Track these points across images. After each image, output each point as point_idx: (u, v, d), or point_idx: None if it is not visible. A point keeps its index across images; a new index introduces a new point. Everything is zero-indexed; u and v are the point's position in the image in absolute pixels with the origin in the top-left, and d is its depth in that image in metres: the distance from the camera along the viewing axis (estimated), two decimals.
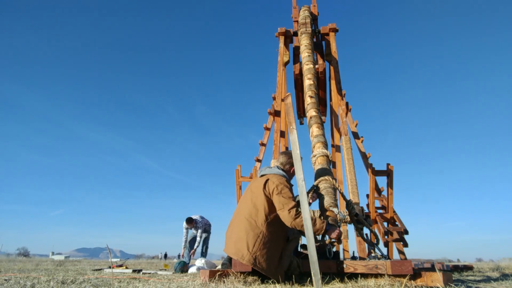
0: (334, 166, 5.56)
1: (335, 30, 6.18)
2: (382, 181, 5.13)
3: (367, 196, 5.03)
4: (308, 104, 4.60)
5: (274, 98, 5.94)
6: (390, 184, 4.82)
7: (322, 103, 6.74)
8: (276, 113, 5.78)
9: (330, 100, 5.98)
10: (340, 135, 5.26)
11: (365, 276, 2.89)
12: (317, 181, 3.42)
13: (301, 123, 7.73)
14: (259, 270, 2.73)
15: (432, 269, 4.11)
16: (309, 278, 2.80)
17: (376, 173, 4.92)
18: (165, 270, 6.14)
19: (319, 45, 6.34)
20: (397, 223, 4.76)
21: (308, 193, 3.31)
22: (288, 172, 3.21)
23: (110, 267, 6.47)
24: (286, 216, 2.78)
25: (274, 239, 2.86)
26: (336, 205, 3.22)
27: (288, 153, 3.28)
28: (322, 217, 3.23)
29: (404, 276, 2.64)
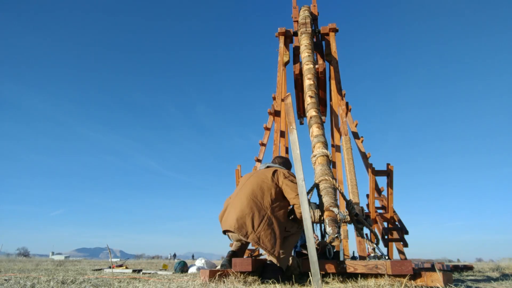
0: (334, 166, 5.55)
1: (335, 30, 6.17)
2: (382, 181, 5.13)
3: (367, 196, 5.03)
4: (308, 104, 4.60)
5: (274, 98, 5.94)
6: (390, 184, 4.82)
7: (322, 103, 6.74)
8: (276, 113, 5.78)
9: (330, 100, 5.98)
10: (340, 135, 5.26)
11: (365, 276, 2.89)
12: (317, 181, 3.41)
13: (301, 123, 7.72)
14: (263, 248, 2.76)
15: (432, 269, 4.11)
16: (309, 278, 2.81)
17: (376, 173, 4.91)
18: (165, 270, 6.13)
19: (319, 45, 6.33)
20: (397, 223, 4.76)
21: (308, 192, 3.31)
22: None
23: (110, 267, 6.47)
24: (295, 202, 2.92)
25: (277, 225, 2.90)
26: (336, 205, 3.22)
27: (284, 159, 3.54)
28: (322, 217, 3.23)
29: (404, 276, 2.64)
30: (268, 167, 3.28)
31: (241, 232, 2.78)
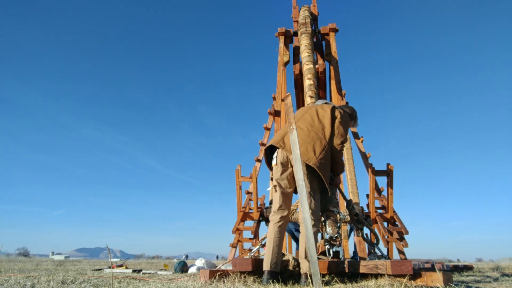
0: None
1: (335, 30, 6.16)
2: (382, 181, 5.11)
3: (367, 196, 5.02)
4: (308, 104, 4.60)
5: (274, 98, 5.93)
6: (390, 184, 4.81)
7: None
8: (276, 113, 5.77)
9: (330, 100, 5.97)
10: None
11: (365, 276, 2.89)
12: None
13: None
14: (320, 171, 2.85)
15: (432, 269, 4.11)
16: (309, 278, 2.80)
17: (376, 173, 4.90)
18: (165, 270, 6.13)
19: (319, 45, 6.33)
20: (397, 223, 4.75)
21: None
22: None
23: (110, 267, 6.47)
24: (338, 141, 3.07)
25: (329, 158, 3.02)
26: (336, 205, 3.22)
27: (349, 107, 3.63)
28: (322, 217, 3.23)
29: (404, 276, 2.64)
30: (326, 103, 3.38)
31: (303, 158, 2.84)
